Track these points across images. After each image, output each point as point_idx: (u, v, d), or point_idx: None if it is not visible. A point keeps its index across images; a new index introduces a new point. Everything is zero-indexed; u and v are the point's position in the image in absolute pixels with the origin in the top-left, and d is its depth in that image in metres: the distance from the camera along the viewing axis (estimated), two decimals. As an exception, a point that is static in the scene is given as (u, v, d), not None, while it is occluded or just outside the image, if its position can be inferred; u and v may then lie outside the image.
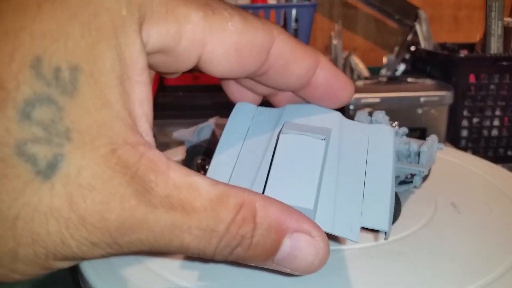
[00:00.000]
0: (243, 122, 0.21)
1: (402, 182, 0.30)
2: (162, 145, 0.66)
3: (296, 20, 0.68)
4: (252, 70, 0.18)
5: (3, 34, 0.13)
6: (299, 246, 0.15)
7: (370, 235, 0.26)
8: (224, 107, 0.62)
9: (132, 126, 0.14)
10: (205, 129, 0.36)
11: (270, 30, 0.17)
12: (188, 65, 0.17)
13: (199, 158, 0.34)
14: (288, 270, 0.16)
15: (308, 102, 0.21)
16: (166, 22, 0.15)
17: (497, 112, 0.64)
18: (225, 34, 0.16)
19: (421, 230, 0.26)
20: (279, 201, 0.16)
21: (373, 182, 0.19)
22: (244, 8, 0.69)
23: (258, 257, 0.15)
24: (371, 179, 0.19)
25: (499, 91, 0.63)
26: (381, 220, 0.17)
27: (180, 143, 0.62)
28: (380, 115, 0.29)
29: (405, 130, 0.30)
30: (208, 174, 0.19)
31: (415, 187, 0.31)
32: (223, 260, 0.15)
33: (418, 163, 0.28)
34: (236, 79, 0.21)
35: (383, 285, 0.21)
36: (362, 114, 0.29)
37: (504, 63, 0.63)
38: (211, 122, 0.36)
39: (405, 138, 0.30)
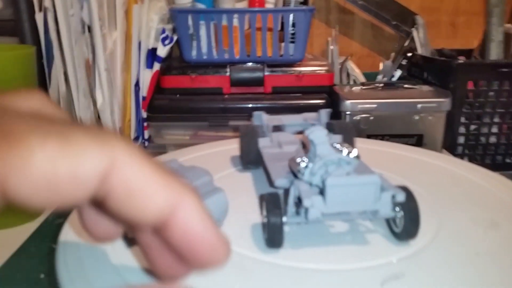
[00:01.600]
0: None
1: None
2: (159, 147, 0.64)
3: (294, 25, 0.68)
4: (80, 200, 0.14)
5: None
6: None
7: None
8: (221, 111, 0.63)
9: None
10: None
11: (109, 152, 0.14)
12: None
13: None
14: None
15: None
16: None
17: (496, 119, 0.63)
18: (28, 168, 0.13)
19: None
20: None
21: None
22: (241, 12, 0.68)
23: None
24: None
25: (498, 98, 0.62)
26: None
27: (177, 146, 0.61)
28: (315, 133, 0.25)
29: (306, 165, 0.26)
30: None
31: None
32: None
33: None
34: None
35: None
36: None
37: (504, 69, 0.62)
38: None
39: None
